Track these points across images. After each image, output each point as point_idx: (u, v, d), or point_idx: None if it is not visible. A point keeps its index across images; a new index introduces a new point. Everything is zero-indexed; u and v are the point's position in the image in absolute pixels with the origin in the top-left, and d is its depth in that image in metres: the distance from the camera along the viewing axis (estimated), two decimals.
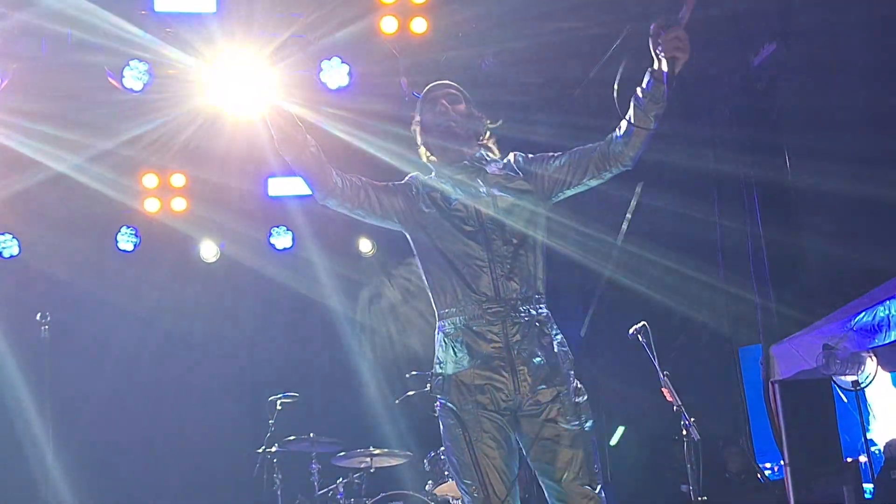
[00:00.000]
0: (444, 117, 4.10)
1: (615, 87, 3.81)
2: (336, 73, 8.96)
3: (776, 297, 8.74)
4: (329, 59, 8.92)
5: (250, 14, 8.69)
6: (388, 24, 8.58)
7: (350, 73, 8.99)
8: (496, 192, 3.98)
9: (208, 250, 11.04)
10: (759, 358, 8.34)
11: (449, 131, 4.10)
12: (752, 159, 9.23)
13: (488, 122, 4.22)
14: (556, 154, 4.08)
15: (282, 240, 11.06)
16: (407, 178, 4.17)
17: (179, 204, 10.55)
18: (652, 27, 3.60)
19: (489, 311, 3.84)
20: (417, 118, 4.26)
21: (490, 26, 9.21)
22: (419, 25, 8.65)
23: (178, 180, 10.48)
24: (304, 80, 9.01)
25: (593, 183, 4.03)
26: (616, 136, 3.87)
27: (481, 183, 4.03)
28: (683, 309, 9.99)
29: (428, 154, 4.22)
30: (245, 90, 9.19)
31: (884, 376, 7.99)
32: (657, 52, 3.61)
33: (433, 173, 4.17)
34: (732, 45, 8.57)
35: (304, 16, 8.83)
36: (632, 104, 3.77)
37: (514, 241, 3.91)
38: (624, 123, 3.78)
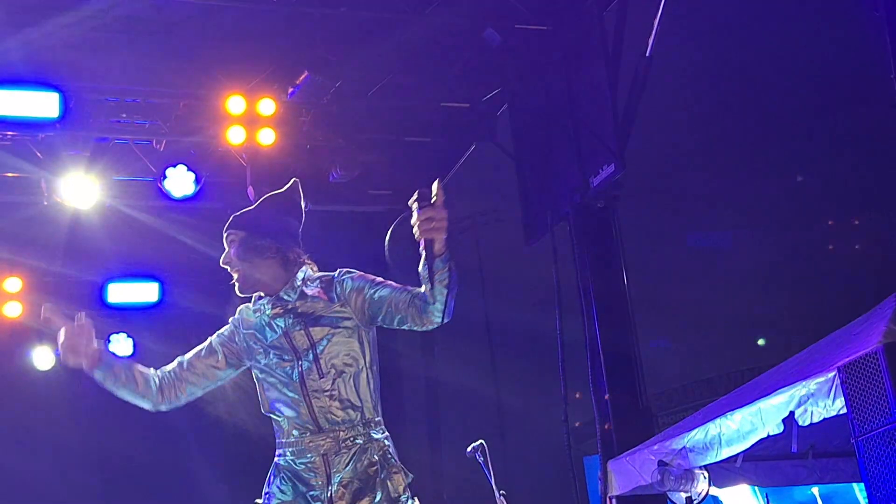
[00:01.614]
0: (229, 266, 3.94)
1: (386, 244, 3.84)
2: (182, 181, 8.87)
3: (614, 409, 8.93)
4: (175, 167, 8.83)
5: (96, 120, 8.60)
6: (236, 135, 8.59)
7: (196, 181, 8.93)
8: (310, 324, 3.87)
9: (43, 357, 10.61)
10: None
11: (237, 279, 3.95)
12: (592, 270, 9.50)
13: (304, 256, 3.99)
14: (378, 282, 3.88)
15: (121, 347, 10.72)
16: (233, 317, 4.09)
17: (14, 309, 10.14)
18: (407, 211, 3.65)
19: (311, 444, 3.82)
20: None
21: (338, 138, 9.34)
22: (267, 136, 8.69)
23: (13, 284, 10.09)
24: (148, 186, 8.92)
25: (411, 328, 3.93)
26: (422, 296, 3.72)
27: (295, 315, 3.90)
28: (529, 419, 10.13)
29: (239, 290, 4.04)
30: (85, 194, 9.06)
31: (717, 492, 8.21)
32: (416, 234, 3.63)
33: (252, 303, 4.05)
34: (572, 166, 8.89)
35: (150, 123, 8.79)
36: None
37: (333, 371, 3.83)
38: (423, 288, 3.69)
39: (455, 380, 11.19)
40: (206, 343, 4.02)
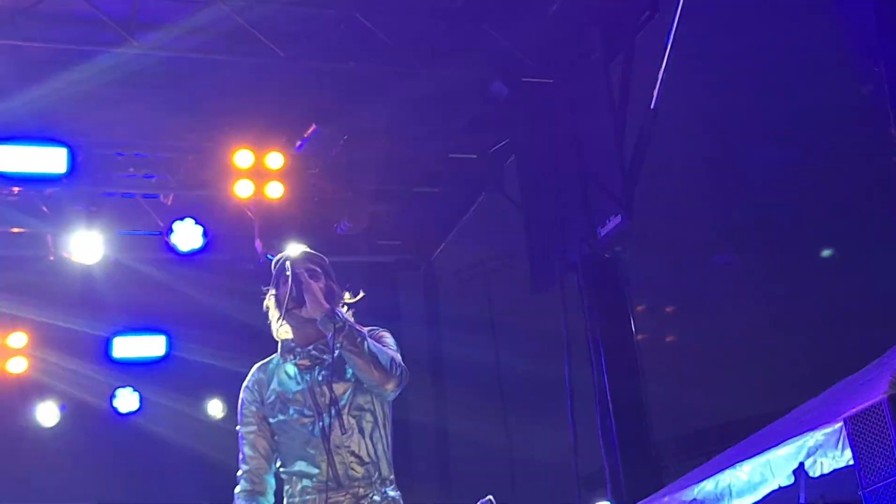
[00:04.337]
0: (303, 292, 3.79)
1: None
2: (189, 234, 8.86)
3: (623, 458, 8.86)
4: (182, 220, 8.83)
5: (103, 174, 8.63)
6: (244, 188, 8.60)
7: (204, 234, 8.92)
8: (334, 380, 3.83)
9: (47, 413, 10.55)
10: None
11: (305, 309, 3.79)
12: (599, 318, 9.48)
13: (347, 296, 3.96)
14: (386, 337, 3.91)
15: (127, 401, 10.64)
16: (247, 383, 3.99)
17: (19, 364, 10.09)
18: None
19: (330, 501, 3.76)
20: (272, 291, 3.94)
21: (346, 189, 9.37)
22: (275, 189, 8.70)
23: (17, 339, 10.05)
24: (156, 240, 8.92)
25: None
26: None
27: (321, 369, 3.85)
28: (540, 468, 10.03)
29: (280, 332, 3.95)
30: (91, 249, 9.05)
31: None
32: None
33: (276, 354, 3.99)
34: (580, 216, 8.91)
35: (158, 177, 8.81)
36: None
37: (354, 426, 3.80)
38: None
39: (465, 429, 11.11)
40: (252, 428, 3.91)
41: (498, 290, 11.15)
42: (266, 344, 4.17)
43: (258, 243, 8.96)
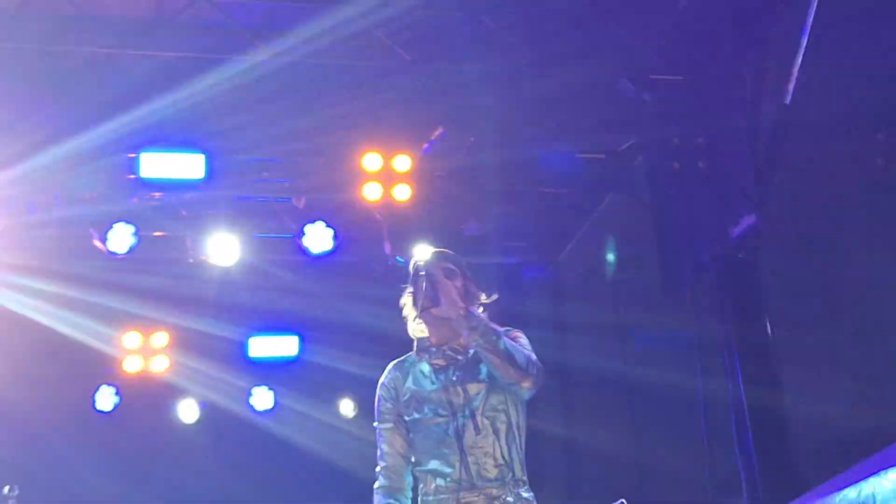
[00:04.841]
0: (439, 291, 3.84)
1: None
2: (320, 237, 9.05)
3: (760, 465, 8.61)
4: (313, 223, 9.02)
5: (239, 179, 8.88)
6: (372, 191, 8.72)
7: (335, 237, 9.09)
8: (468, 380, 3.88)
9: (188, 410, 10.94)
10: None
11: (442, 308, 3.83)
12: (734, 322, 9.25)
13: (482, 296, 4.00)
14: (521, 337, 3.94)
15: (262, 399, 10.95)
16: (383, 380, 4.04)
17: (161, 363, 10.50)
18: None
19: (463, 501, 3.78)
20: (409, 289, 4.02)
21: (473, 191, 9.40)
22: (402, 192, 8.79)
23: (160, 339, 10.46)
24: (288, 243, 9.12)
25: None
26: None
27: (455, 369, 3.91)
28: (670, 478, 9.80)
29: (416, 330, 4.02)
30: (228, 251, 9.34)
31: None
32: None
33: (412, 353, 4.06)
34: (711, 216, 8.71)
35: (290, 181, 9.01)
36: None
37: (488, 427, 3.83)
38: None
39: (592, 435, 10.96)
40: (389, 425, 3.98)
41: (626, 294, 10.96)
42: (394, 345, 4.22)
43: (387, 245, 9.08)
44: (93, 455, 10.43)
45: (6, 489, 8.31)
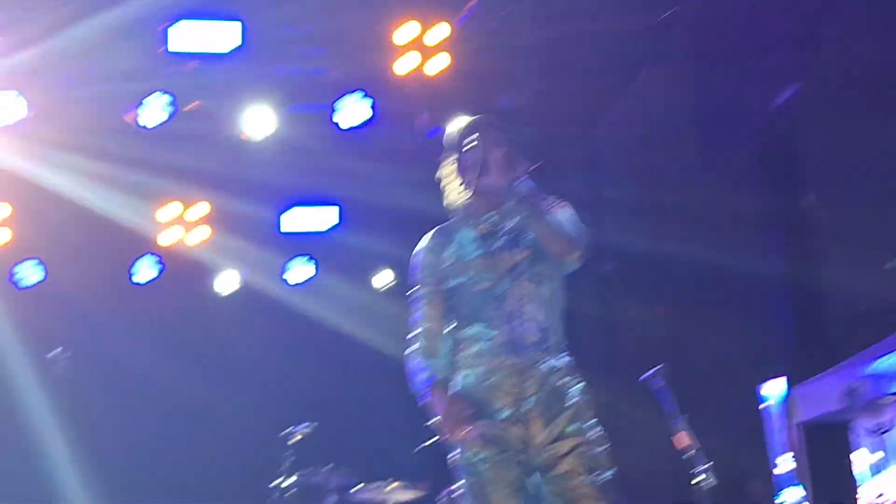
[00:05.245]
0: (488, 158, 3.80)
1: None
2: (356, 109, 8.98)
3: (798, 335, 8.67)
4: (351, 94, 8.94)
5: (273, 49, 8.77)
6: (408, 61, 8.61)
7: (372, 107, 9.02)
8: (512, 246, 3.88)
9: (228, 281, 11.07)
10: (777, 397, 8.26)
11: (490, 175, 3.80)
12: (774, 196, 9.19)
13: (527, 164, 3.88)
14: (567, 207, 3.92)
15: (301, 271, 11.02)
16: (425, 245, 4.04)
17: (201, 234, 10.54)
18: None
19: (506, 363, 3.80)
20: (454, 155, 3.98)
21: (509, 64, 9.26)
22: (437, 63, 8.67)
23: (200, 210, 10.48)
24: (322, 115, 9.06)
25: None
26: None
27: (501, 234, 3.91)
28: (701, 345, 9.86)
29: (459, 197, 3.98)
30: (263, 125, 9.28)
31: None
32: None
33: (456, 219, 4.02)
34: (753, 84, 8.57)
35: (326, 50, 8.89)
36: None
37: (530, 293, 3.83)
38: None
39: (629, 315, 10.98)
40: (430, 289, 3.97)
41: (663, 170, 10.85)
42: (426, 220, 4.18)
43: (423, 116, 9.01)
44: (130, 325, 10.62)
45: (59, 350, 8.49)
